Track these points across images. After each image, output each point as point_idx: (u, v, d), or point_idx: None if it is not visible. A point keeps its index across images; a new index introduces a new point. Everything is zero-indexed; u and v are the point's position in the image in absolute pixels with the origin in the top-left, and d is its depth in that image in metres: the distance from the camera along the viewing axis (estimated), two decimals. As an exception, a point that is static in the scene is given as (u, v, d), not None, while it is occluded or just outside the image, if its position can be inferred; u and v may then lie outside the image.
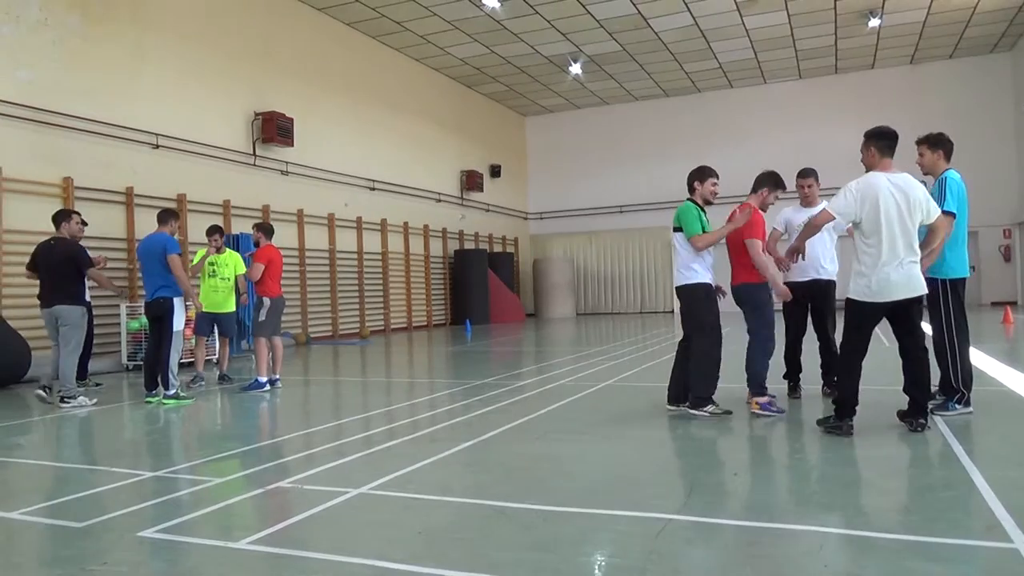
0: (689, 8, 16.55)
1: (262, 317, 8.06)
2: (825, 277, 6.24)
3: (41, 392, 7.34)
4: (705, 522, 3.30)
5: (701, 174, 5.89)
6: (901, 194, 4.78)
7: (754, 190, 6.03)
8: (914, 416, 4.98)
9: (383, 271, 17.90)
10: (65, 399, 7.19)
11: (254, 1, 14.30)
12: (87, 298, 7.85)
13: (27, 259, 9.93)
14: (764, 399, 5.70)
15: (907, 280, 4.78)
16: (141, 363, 8.60)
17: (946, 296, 5.33)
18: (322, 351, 13.26)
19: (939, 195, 5.28)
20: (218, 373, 8.78)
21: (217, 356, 9.42)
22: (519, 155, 25.50)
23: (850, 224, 4.98)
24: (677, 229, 5.77)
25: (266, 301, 8.07)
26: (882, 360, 7.44)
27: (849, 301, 4.96)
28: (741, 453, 4.78)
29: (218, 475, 4.46)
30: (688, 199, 5.88)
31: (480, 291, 20.67)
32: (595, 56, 19.61)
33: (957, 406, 5.38)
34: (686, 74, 21.58)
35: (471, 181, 21.67)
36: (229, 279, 8.59)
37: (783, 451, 4.70)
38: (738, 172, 20.91)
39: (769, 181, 5.94)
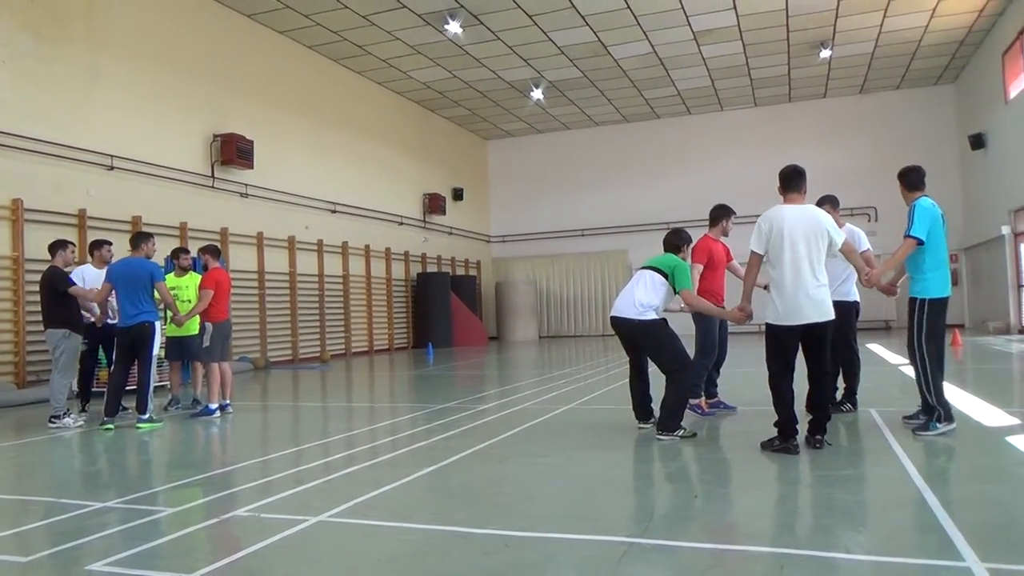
0: (648, 36, 16.90)
1: (206, 342, 7.91)
2: (838, 299, 6.29)
3: (66, 418, 7.49)
4: (667, 545, 3.31)
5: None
6: (804, 223, 5.10)
7: (713, 223, 6.97)
8: (812, 433, 5.18)
9: (344, 294, 17.73)
10: (52, 418, 7.40)
11: (214, 22, 14.20)
12: (85, 319, 7.94)
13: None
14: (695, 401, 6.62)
15: (816, 305, 5.04)
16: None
17: (921, 314, 5.50)
18: (281, 376, 13.04)
19: (908, 221, 5.52)
20: (192, 397, 8.61)
21: (190, 380, 9.22)
22: (481, 178, 25.60)
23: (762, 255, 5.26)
24: (657, 270, 5.96)
25: (208, 326, 7.91)
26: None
27: (766, 326, 5.20)
28: (703, 475, 4.81)
29: (172, 504, 4.34)
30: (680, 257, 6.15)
31: (442, 314, 20.60)
32: (556, 82, 19.87)
33: (938, 425, 5.47)
34: (645, 100, 21.97)
35: (434, 204, 21.67)
36: (190, 301, 8.43)
37: (744, 474, 4.74)
38: (697, 196, 21.39)
39: (725, 212, 6.94)
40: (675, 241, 6.24)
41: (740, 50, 18.04)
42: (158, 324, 7.49)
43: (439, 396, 9.31)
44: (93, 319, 7.98)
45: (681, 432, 5.72)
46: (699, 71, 19.49)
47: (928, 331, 5.47)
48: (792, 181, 5.29)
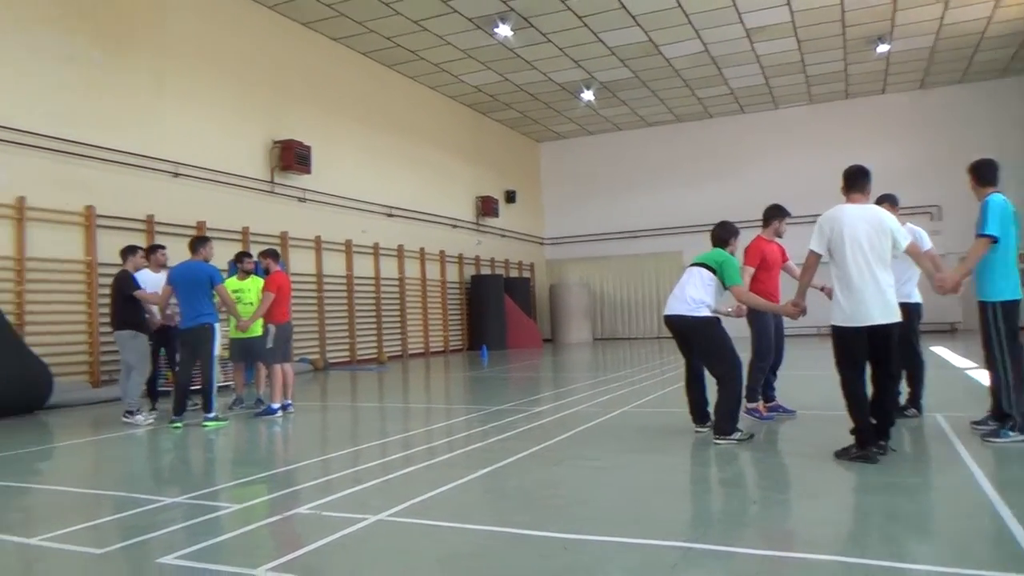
0: (699, 35, 16.67)
1: (269, 344, 8.12)
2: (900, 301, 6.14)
3: (125, 417, 7.78)
4: (723, 551, 3.26)
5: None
6: (867, 223, 4.96)
7: (767, 224, 6.87)
8: (876, 439, 4.99)
9: (400, 297, 17.96)
10: (126, 413, 7.76)
11: (271, 31, 14.56)
12: (157, 320, 8.33)
13: (50, 286, 10.21)
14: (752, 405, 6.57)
15: (882, 306, 4.89)
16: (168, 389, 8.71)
17: (995, 319, 5.27)
18: (340, 376, 13.28)
19: (980, 219, 5.31)
20: (255, 397, 8.86)
21: (254, 380, 9.46)
22: (533, 181, 25.63)
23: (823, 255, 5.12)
24: (704, 266, 5.87)
25: (271, 328, 8.11)
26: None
27: (832, 329, 5.05)
28: (761, 480, 4.72)
29: (236, 501, 4.47)
30: (728, 251, 6.06)
31: (496, 316, 20.67)
32: (607, 83, 19.75)
33: (1011, 433, 5.24)
34: (698, 100, 21.67)
35: (486, 207, 21.78)
36: (253, 304, 8.65)
37: (803, 480, 4.64)
38: (750, 196, 20.99)
39: (778, 213, 6.85)
40: (722, 234, 6.12)
41: (795, 46, 17.64)
42: (217, 326, 7.72)
43: (494, 398, 9.36)
44: (152, 322, 8.29)
45: (738, 435, 5.63)
46: (752, 69, 19.13)
47: (1007, 335, 5.25)
48: (856, 181, 5.16)
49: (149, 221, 11.68)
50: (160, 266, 8.65)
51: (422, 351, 18.72)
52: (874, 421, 5.03)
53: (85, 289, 10.60)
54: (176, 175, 12.22)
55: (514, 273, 23.63)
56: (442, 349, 19.59)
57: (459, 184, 20.94)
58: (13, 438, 7.06)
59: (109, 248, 10.41)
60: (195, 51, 12.78)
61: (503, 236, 23.11)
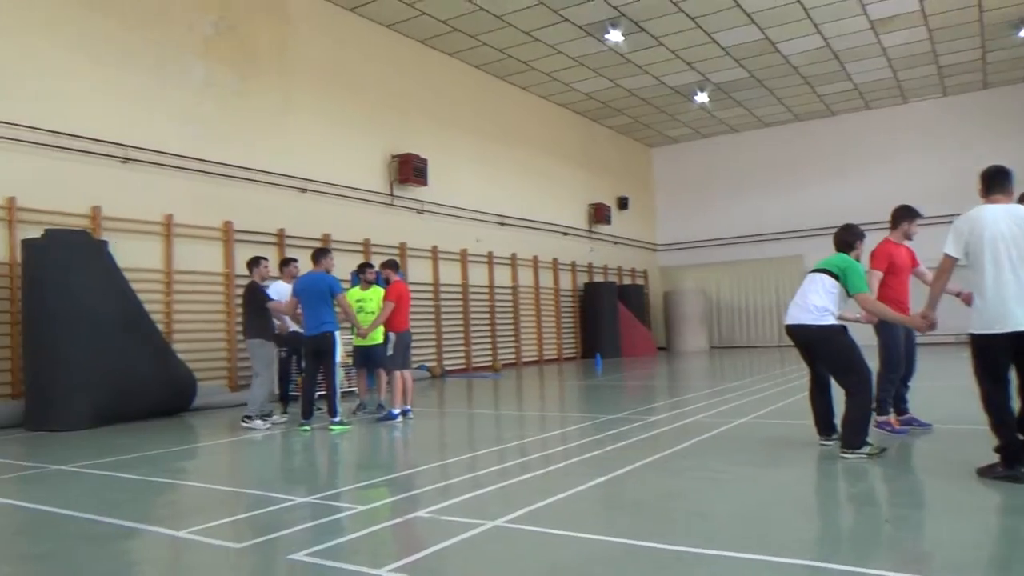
0: (819, 30, 15.94)
1: (389, 351, 8.39)
2: None
3: (256, 420, 8.20)
4: (852, 571, 3.09)
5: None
6: (1010, 223, 4.59)
7: (895, 226, 6.48)
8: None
9: (514, 305, 18.16)
10: (245, 418, 8.16)
11: (389, 49, 15.10)
12: (290, 329, 8.83)
13: (193, 296, 11.01)
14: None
15: None
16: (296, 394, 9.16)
17: None
18: (456, 384, 13.57)
19: None
20: (377, 402, 9.20)
21: (375, 386, 9.83)
22: (647, 186, 25.28)
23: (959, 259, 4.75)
24: (827, 272, 5.59)
25: (392, 336, 8.38)
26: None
27: (971, 338, 4.68)
28: (893, 498, 4.44)
29: (361, 503, 4.65)
30: (850, 255, 5.75)
31: (610, 324, 20.51)
32: (722, 84, 19.24)
33: None
34: (818, 97, 20.72)
35: (599, 214, 21.67)
36: (374, 313, 8.98)
37: (941, 498, 4.32)
38: (877, 196, 19.81)
39: (907, 214, 6.47)
40: (845, 237, 5.80)
41: (924, 36, 16.54)
42: (338, 334, 8.05)
43: (609, 406, 9.30)
44: (282, 329, 8.76)
45: (867, 449, 5.31)
46: (878, 62, 18.09)
47: None
48: (995, 181, 4.78)
49: (280, 235, 12.38)
50: (292, 277, 9.13)
51: (536, 359, 18.82)
52: (1022, 437, 4.62)
53: (223, 299, 11.36)
54: (304, 191, 12.89)
55: (627, 280, 23.37)
56: (555, 357, 19.62)
57: (571, 192, 20.95)
58: (162, 437, 7.65)
59: (244, 261, 11.10)
60: (318, 71, 13.46)
61: (616, 243, 22.92)
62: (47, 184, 9.51)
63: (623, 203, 23.16)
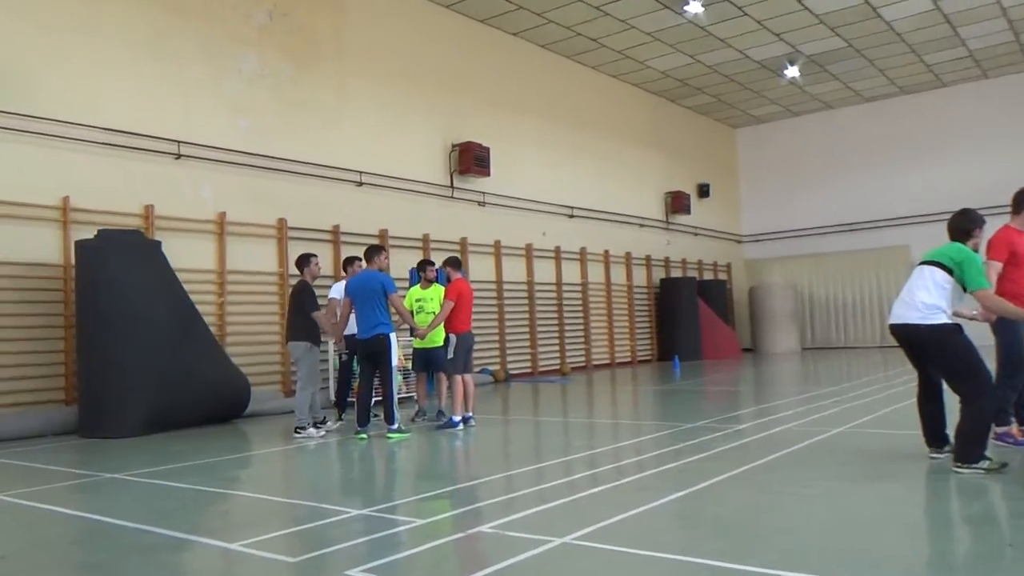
0: (930, -9, 15.35)
1: (450, 354, 8.44)
2: None
3: (309, 429, 8.30)
4: (969, 601, 2.97)
5: None
6: None
7: (1017, 210, 6.05)
8: None
9: (583, 303, 18.11)
10: (297, 429, 8.22)
11: (448, 31, 15.25)
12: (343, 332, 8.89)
13: (246, 297, 11.36)
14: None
15: None
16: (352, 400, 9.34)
17: None
18: (521, 389, 13.62)
19: None
20: (437, 409, 9.28)
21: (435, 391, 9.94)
22: (730, 172, 24.84)
23: None
24: (938, 265, 5.32)
25: (452, 338, 8.43)
26: None
27: None
28: (1015, 519, 4.24)
29: (420, 516, 4.72)
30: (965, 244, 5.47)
31: (689, 323, 20.24)
32: (815, 56, 18.70)
33: None
34: (927, 67, 19.92)
35: (677, 203, 21.41)
36: (435, 314, 9.00)
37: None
38: (996, 177, 18.92)
39: None
40: (962, 224, 5.50)
41: (1055, -8, 15.72)
42: (393, 336, 8.15)
43: (688, 414, 9.20)
44: (333, 340, 8.92)
45: (985, 464, 5.08)
46: (997, 24, 17.26)
47: None
48: None
49: (335, 231, 12.66)
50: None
51: (607, 362, 18.72)
52: None
53: (278, 300, 11.68)
54: (359, 184, 13.15)
55: (708, 275, 23.02)
56: (629, 360, 19.48)
57: (646, 179, 20.75)
58: (214, 445, 7.94)
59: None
60: (374, 57, 13.70)
61: (696, 234, 22.59)
62: (99, 183, 9.97)
63: (704, 190, 22.81)
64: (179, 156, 10.76)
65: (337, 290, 9.11)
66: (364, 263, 8.65)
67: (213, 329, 10.39)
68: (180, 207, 10.73)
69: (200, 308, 9.88)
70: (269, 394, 10.97)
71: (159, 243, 9.60)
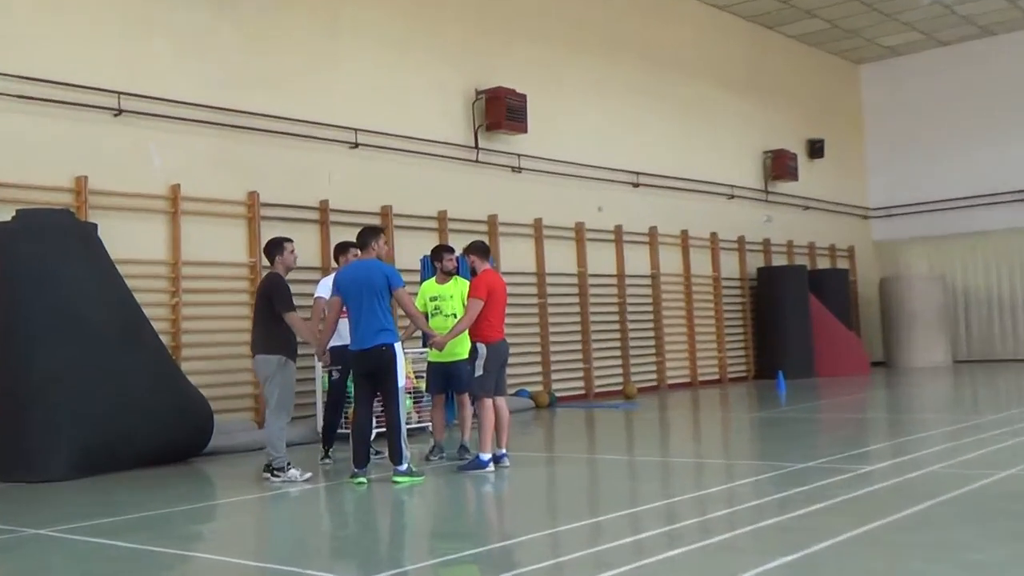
0: None
1: (479, 370, 8.38)
2: None
3: (267, 474, 8.24)
4: None
5: None
6: None
7: None
8: None
9: (654, 302, 18.02)
10: (274, 471, 8.13)
11: (473, -58, 15.28)
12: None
13: (208, 296, 11.47)
14: None
15: None
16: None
17: None
18: (571, 417, 13.60)
19: None
20: (459, 444, 9.24)
21: (456, 420, 9.94)
22: (852, 123, 24.59)
23: None
24: None
25: (481, 349, 8.38)
26: None
27: None
28: None
29: (438, 587, 4.73)
30: None
31: (798, 328, 20.02)
32: (970, -36, 18.41)
33: None
34: None
35: (779, 166, 21.21)
36: (456, 316, 8.96)
37: None
38: None
39: None
40: None
41: None
42: (400, 346, 8.04)
43: (796, 451, 9.14)
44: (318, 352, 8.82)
45: None
46: None
47: None
48: None
49: (323, 209, 12.75)
50: None
51: (687, 380, 18.63)
52: None
53: (248, 299, 11.74)
54: (354, 146, 13.22)
55: (823, 263, 22.82)
56: (717, 377, 19.37)
57: (737, 134, 20.61)
58: (168, 491, 8.02)
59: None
60: (373, -21, 13.76)
61: (805, 208, 22.39)
62: (15, 149, 10.11)
63: (816, 148, 22.61)
64: (119, 112, 10.90)
65: (325, 287, 9.12)
66: (358, 251, 8.60)
67: (165, 339, 10.51)
68: (122, 179, 10.85)
69: (148, 311, 9.99)
70: (238, 424, 11.08)
71: (95, 226, 9.71)
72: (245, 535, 6.63)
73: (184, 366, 10.63)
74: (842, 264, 23.44)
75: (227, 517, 7.25)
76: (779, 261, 21.34)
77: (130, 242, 10.63)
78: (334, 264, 9.73)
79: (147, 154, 11.15)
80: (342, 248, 9.46)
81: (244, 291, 11.84)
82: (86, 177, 10.49)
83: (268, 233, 11.67)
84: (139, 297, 9.89)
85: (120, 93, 10.90)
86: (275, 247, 8.69)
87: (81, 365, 8.81)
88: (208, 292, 11.55)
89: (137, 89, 11.05)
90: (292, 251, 8.74)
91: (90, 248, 9.39)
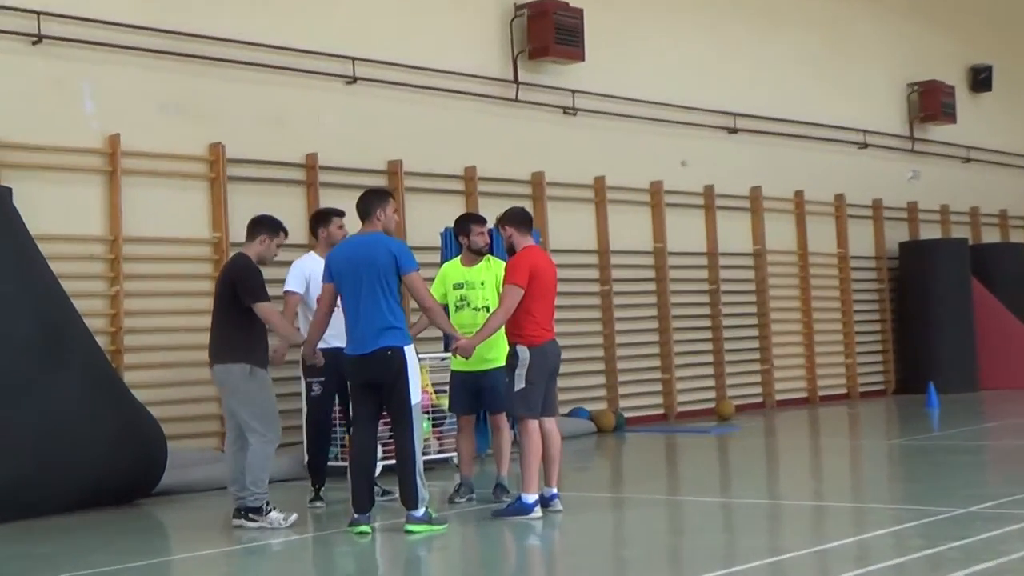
0: None
1: (520, 383, 8.32)
2: None
3: (238, 520, 8.26)
4: None
5: None
6: None
7: None
8: None
9: (758, 290, 17.98)
10: (249, 514, 8.10)
11: None
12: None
13: (164, 285, 11.52)
14: None
15: None
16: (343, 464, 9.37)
17: None
18: (645, 444, 13.60)
19: None
20: (496, 481, 9.25)
21: (490, 450, 9.96)
22: (1029, 43, 24.36)
23: None
24: None
25: (523, 353, 8.32)
26: None
27: None
28: None
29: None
30: None
31: (955, 324, 19.86)
32: None
33: None
34: None
35: (928, 103, 21.03)
36: (488, 309, 8.93)
37: None
38: None
39: None
40: None
41: None
42: (411, 350, 7.98)
43: (953, 491, 9.08)
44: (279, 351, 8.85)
45: None
46: None
47: None
48: None
49: (310, 166, 12.80)
50: (333, 246, 9.38)
51: (804, 396, 18.57)
52: None
53: (211, 288, 11.82)
54: (352, 80, 13.26)
55: (991, 235, 22.69)
56: (844, 392, 19.30)
57: (871, 62, 20.48)
58: (109, 544, 8.09)
59: (245, 215, 11.46)
60: None
61: (966, 160, 22.25)
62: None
63: (981, 79, 22.49)
64: (39, 39, 10.97)
65: (297, 278, 9.19)
66: (343, 222, 8.73)
67: (102, 341, 10.60)
68: (44, 128, 10.93)
69: (79, 304, 10.06)
70: (200, 455, 11.16)
71: (8, 191, 9.79)
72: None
73: (127, 377, 10.72)
74: (1017, 237, 23.26)
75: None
76: (930, 234, 21.24)
77: (55, 213, 10.74)
78: (312, 237, 9.63)
79: (77, 96, 11.24)
80: (322, 217, 9.51)
81: (206, 277, 11.89)
82: (-6, 128, 10.62)
83: (237, 199, 11.82)
84: (67, 286, 9.95)
85: (39, 13, 10.92)
86: (261, 227, 8.71)
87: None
88: (158, 279, 11.65)
89: (61, 8, 11.07)
90: (281, 239, 8.76)
91: (1, 221, 9.43)
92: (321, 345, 8.60)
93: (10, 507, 8.81)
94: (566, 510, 8.55)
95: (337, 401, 9.50)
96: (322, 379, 9.06)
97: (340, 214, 9.61)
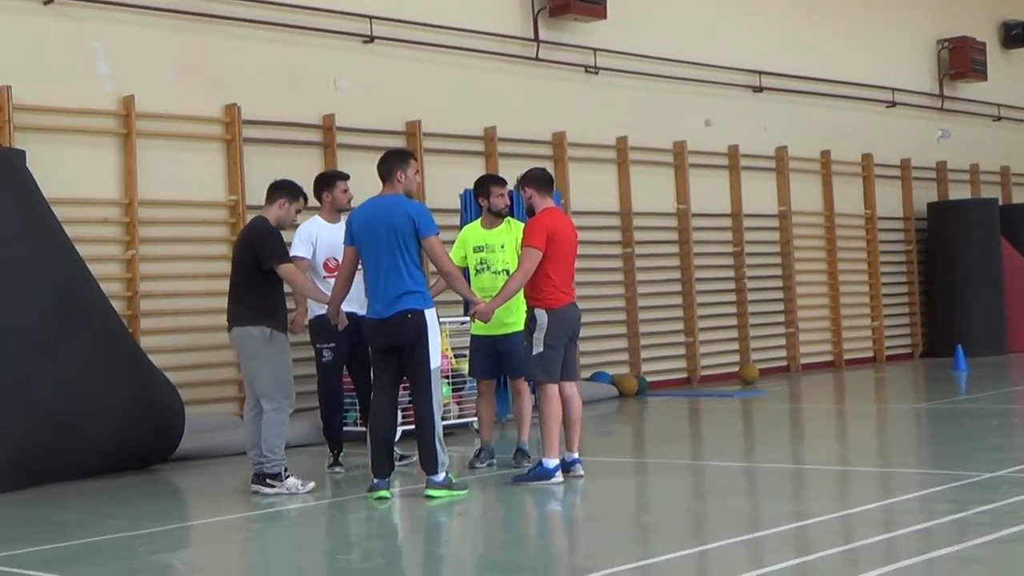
0: None
1: (539, 347, 8.34)
2: None
3: (256, 484, 8.36)
4: None
5: None
6: None
7: None
8: None
9: (783, 252, 17.94)
10: (267, 480, 8.20)
11: None
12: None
13: (181, 249, 11.54)
14: None
15: None
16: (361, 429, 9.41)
17: None
18: (668, 409, 13.61)
19: None
20: (516, 446, 9.30)
21: (511, 414, 9.97)
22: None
23: None
24: None
25: (541, 316, 8.32)
26: None
27: None
28: None
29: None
30: None
31: (985, 286, 19.78)
32: None
33: None
34: None
35: (958, 60, 20.89)
36: (508, 272, 8.89)
37: None
38: None
39: None
40: None
41: None
42: (432, 313, 7.98)
43: (981, 455, 9.08)
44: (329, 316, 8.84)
45: None
46: None
47: None
48: None
49: (327, 127, 12.81)
50: (339, 211, 9.35)
51: (830, 359, 18.58)
52: None
53: (229, 252, 11.84)
54: (369, 39, 13.24)
55: (1021, 196, 22.53)
56: (870, 356, 19.33)
57: (899, 18, 20.37)
58: (127, 510, 8.15)
59: (262, 177, 11.48)
60: None
61: (996, 120, 22.13)
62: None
63: (1014, 35, 22.33)
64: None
65: (303, 242, 9.22)
66: (347, 186, 8.79)
67: (118, 306, 10.63)
68: (57, 90, 10.95)
69: (95, 269, 10.09)
70: (218, 420, 11.24)
71: (22, 154, 9.82)
72: (228, 568, 6.71)
73: (144, 342, 10.79)
74: (1049, 199, 23.10)
75: (203, 543, 7.33)
76: (959, 194, 21.15)
77: (69, 176, 10.76)
78: (316, 201, 9.63)
79: (90, 57, 11.25)
80: (326, 181, 9.55)
81: (223, 240, 11.97)
82: (8, 88, 10.55)
83: (253, 161, 11.82)
84: (82, 250, 9.99)
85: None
86: (281, 191, 8.75)
87: (5, 344, 8.86)
88: (174, 242, 11.71)
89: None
90: (301, 204, 8.82)
91: (16, 184, 9.44)
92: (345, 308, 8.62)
93: (27, 472, 8.89)
94: (588, 475, 8.59)
95: (346, 369, 9.55)
96: (332, 344, 9.12)
97: (344, 177, 9.68)
